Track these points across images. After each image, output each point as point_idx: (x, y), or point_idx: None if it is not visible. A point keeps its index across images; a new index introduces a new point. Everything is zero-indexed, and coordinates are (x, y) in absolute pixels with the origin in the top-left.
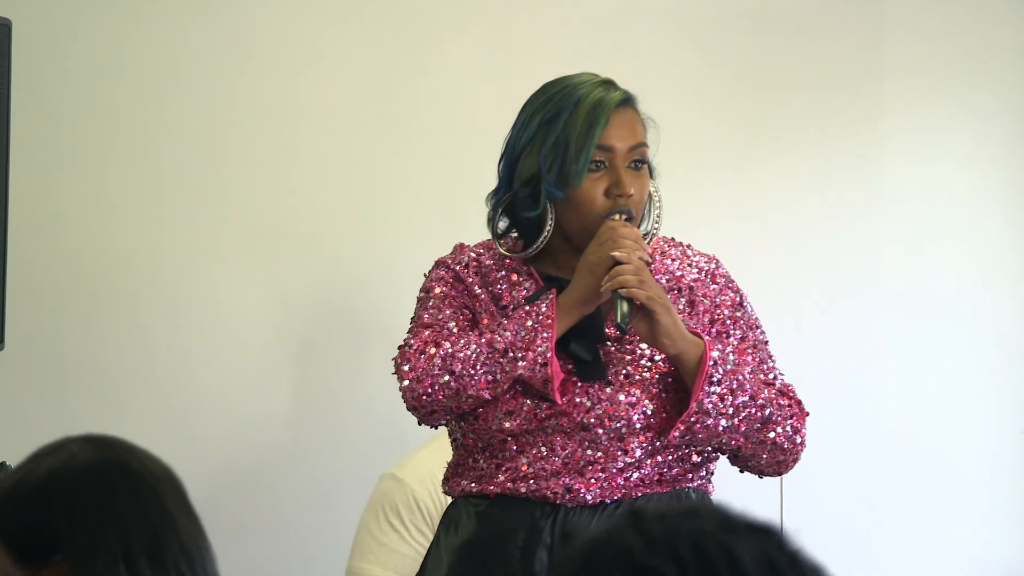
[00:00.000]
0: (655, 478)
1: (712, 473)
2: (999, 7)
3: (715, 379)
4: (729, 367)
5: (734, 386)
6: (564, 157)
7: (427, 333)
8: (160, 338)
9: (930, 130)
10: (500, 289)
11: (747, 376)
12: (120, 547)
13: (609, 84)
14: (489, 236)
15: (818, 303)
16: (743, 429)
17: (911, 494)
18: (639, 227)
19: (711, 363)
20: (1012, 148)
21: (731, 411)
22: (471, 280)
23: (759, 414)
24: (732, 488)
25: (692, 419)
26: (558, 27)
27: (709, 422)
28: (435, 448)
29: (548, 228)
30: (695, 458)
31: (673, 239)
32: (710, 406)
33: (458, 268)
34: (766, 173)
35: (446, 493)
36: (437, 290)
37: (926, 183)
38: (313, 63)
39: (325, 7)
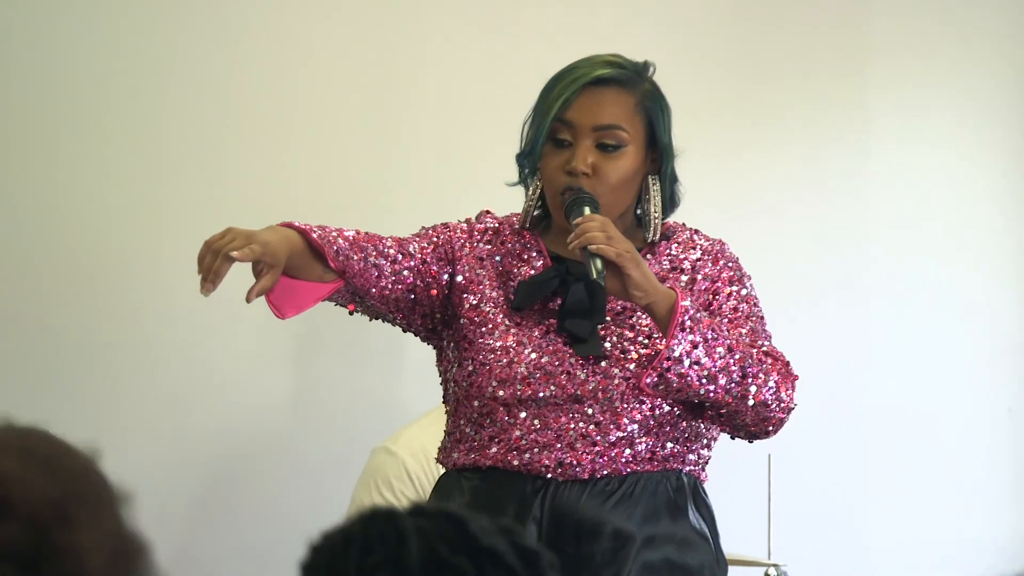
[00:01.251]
0: (647, 456)
1: (706, 461)
2: None
3: (687, 326)
4: (704, 318)
5: (709, 336)
6: (533, 130)
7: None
8: (154, 325)
9: (916, 111)
10: (510, 262)
11: (725, 330)
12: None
13: (608, 64)
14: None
15: (805, 285)
16: (721, 381)
17: (901, 474)
18: (607, 211)
19: (682, 311)
20: (999, 127)
21: (705, 360)
22: (477, 241)
23: (737, 367)
24: (721, 471)
25: (664, 366)
26: (541, 16)
27: (682, 370)
28: (428, 422)
29: (528, 202)
30: (690, 442)
31: (684, 225)
32: (683, 354)
33: (476, 227)
34: (752, 157)
35: (440, 463)
36: (438, 228)
37: (913, 164)
38: (307, 59)
39: (317, 4)
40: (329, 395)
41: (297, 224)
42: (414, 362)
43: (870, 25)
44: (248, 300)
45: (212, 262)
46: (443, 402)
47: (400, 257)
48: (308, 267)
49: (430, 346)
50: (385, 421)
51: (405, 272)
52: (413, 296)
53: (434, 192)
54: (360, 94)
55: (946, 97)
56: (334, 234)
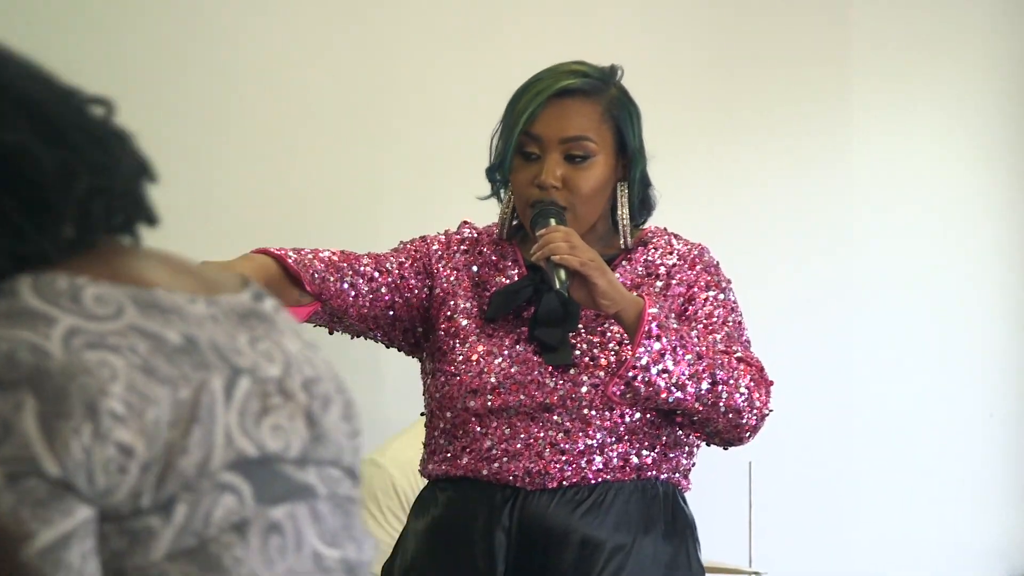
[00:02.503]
0: (619, 464)
1: (687, 470)
2: None
3: (653, 333)
4: (672, 325)
5: (676, 344)
6: (502, 144)
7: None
8: None
9: (899, 108)
10: (486, 272)
11: (695, 336)
12: None
13: (572, 73)
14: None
15: (787, 290)
16: (690, 389)
17: (883, 479)
18: (581, 221)
19: (649, 318)
20: (983, 124)
21: (673, 367)
22: (454, 252)
23: (707, 373)
24: (702, 479)
25: (631, 374)
26: (523, 8)
27: (649, 377)
28: (415, 434)
29: (503, 214)
30: (669, 449)
31: (665, 229)
32: (649, 362)
33: (453, 238)
34: (735, 150)
35: (421, 475)
36: (416, 241)
37: (896, 165)
38: (299, 64)
39: (311, 9)
40: None
41: (273, 250)
42: (396, 374)
43: (853, 22)
44: None
45: None
46: (421, 414)
47: (377, 275)
48: (284, 292)
49: (416, 359)
50: (368, 433)
51: (383, 289)
52: (392, 312)
53: (423, 200)
54: (349, 103)
55: (929, 93)
56: (310, 256)
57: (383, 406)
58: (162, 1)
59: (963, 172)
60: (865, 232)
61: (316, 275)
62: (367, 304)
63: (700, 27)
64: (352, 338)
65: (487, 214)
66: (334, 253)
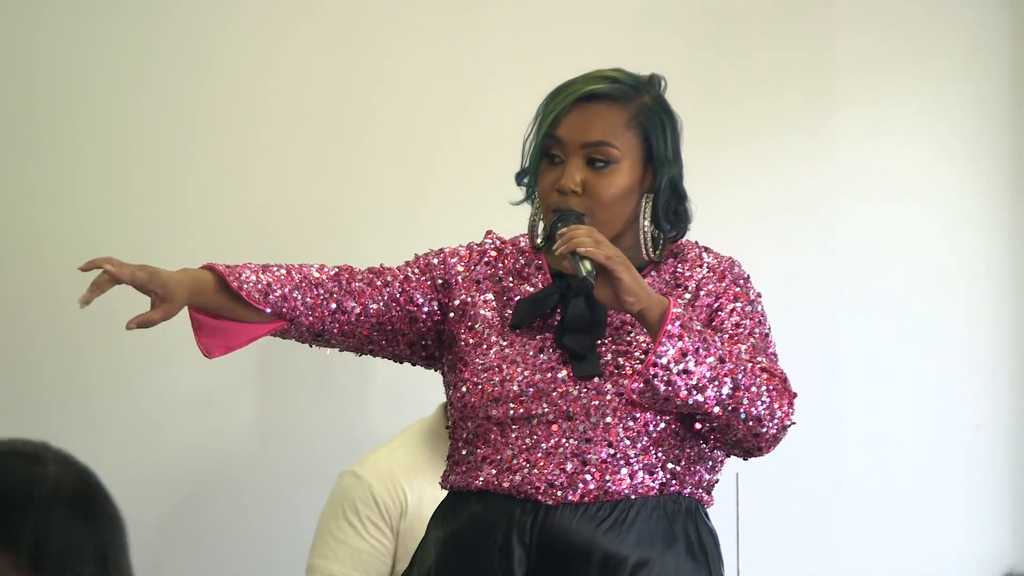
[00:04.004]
0: (643, 479)
1: (711, 485)
2: (947, 5)
3: (676, 332)
4: (696, 327)
5: (699, 345)
6: (530, 147)
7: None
8: (129, 344)
9: (881, 121)
10: (510, 281)
11: (718, 341)
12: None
13: (603, 79)
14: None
15: (772, 291)
16: (710, 392)
17: (871, 489)
18: (602, 228)
19: (672, 317)
20: (964, 143)
21: (694, 368)
22: (476, 263)
23: (728, 378)
24: None
25: (651, 372)
26: (510, 28)
27: (670, 377)
28: (395, 446)
29: (532, 218)
30: (693, 463)
31: (695, 243)
32: (670, 361)
33: (476, 249)
34: (719, 180)
35: (442, 487)
36: (431, 254)
37: (880, 182)
38: (274, 69)
39: (285, 13)
40: (296, 418)
41: (219, 267)
42: (381, 385)
43: (836, 43)
44: (127, 328)
45: (98, 276)
46: (446, 427)
47: (368, 290)
48: (238, 309)
49: (432, 370)
50: (352, 444)
51: (373, 306)
52: (390, 327)
53: (401, 208)
54: (327, 105)
55: (910, 108)
56: (283, 269)
57: (368, 418)
58: (147, 22)
59: (947, 189)
60: (849, 243)
61: (266, 289)
62: (353, 321)
63: (685, 48)
64: (358, 355)
65: (476, 230)
66: (321, 269)
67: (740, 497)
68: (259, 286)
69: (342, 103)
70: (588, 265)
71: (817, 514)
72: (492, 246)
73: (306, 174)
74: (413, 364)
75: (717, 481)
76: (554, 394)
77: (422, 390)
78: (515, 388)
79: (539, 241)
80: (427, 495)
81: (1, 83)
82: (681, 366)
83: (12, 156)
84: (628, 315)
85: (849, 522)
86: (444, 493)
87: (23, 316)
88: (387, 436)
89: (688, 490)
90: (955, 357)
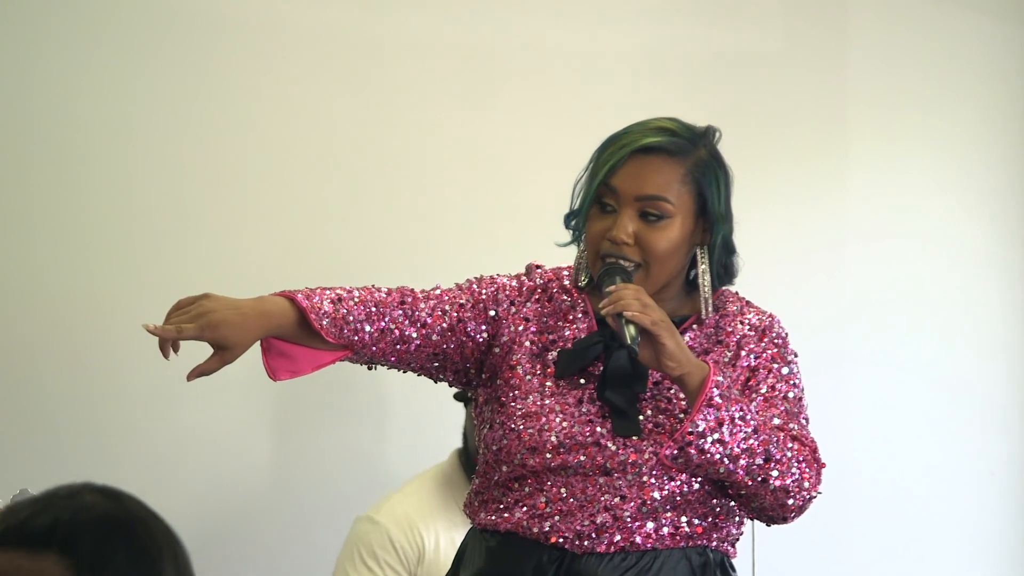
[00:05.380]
0: (670, 532)
1: (736, 539)
2: (959, 38)
3: (715, 402)
4: (734, 395)
5: (736, 415)
6: (582, 192)
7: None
8: (138, 388)
9: (892, 156)
10: (555, 322)
11: (754, 410)
12: None
13: (660, 131)
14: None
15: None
16: (742, 462)
17: (885, 534)
18: (653, 280)
19: (712, 385)
20: (977, 178)
21: (729, 438)
22: (525, 300)
23: (761, 448)
24: None
25: (686, 440)
26: (527, 71)
27: (704, 446)
28: (409, 492)
29: (578, 260)
30: (720, 518)
31: (736, 294)
32: (706, 430)
33: (526, 284)
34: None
35: (466, 515)
36: (485, 281)
37: (892, 219)
38: (317, 124)
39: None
40: (312, 459)
41: (298, 298)
42: (398, 426)
43: (848, 78)
44: (188, 379)
45: (164, 336)
46: (477, 461)
47: (429, 319)
48: (308, 338)
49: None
50: (368, 485)
51: (434, 336)
52: (441, 355)
53: (417, 247)
54: (369, 157)
55: (923, 149)
56: (354, 298)
57: (384, 459)
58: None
59: (961, 225)
60: (860, 287)
61: (344, 325)
62: (412, 351)
63: (696, 88)
64: (402, 372)
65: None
66: (383, 294)
67: (755, 549)
68: (335, 320)
69: (378, 150)
70: (633, 330)
71: (831, 564)
72: (539, 283)
73: (329, 225)
74: (449, 384)
75: (742, 534)
76: (592, 448)
77: (438, 432)
78: (553, 439)
79: (583, 283)
80: (443, 540)
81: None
82: (716, 436)
83: (26, 211)
84: None
85: (862, 567)
86: (460, 538)
87: (32, 358)
88: (403, 478)
89: (715, 543)
90: (968, 401)
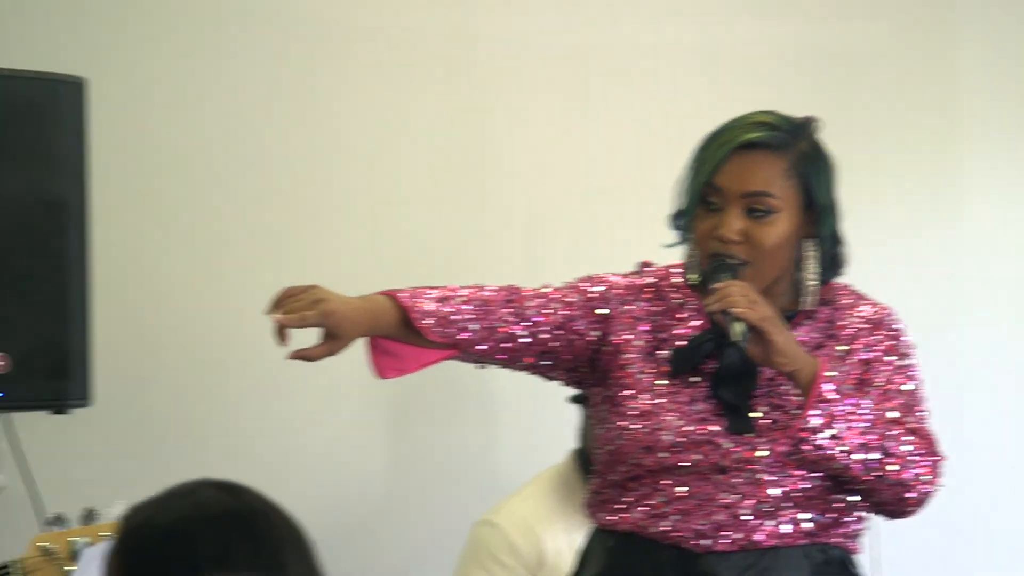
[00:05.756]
0: (791, 530)
1: (857, 534)
2: None
3: (827, 397)
4: (847, 390)
5: (849, 410)
6: (686, 192)
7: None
8: (250, 393)
9: (1009, 186)
10: (666, 321)
11: (870, 404)
12: None
13: (760, 125)
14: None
15: None
16: (857, 456)
17: (1012, 528)
18: (763, 276)
19: (823, 381)
20: None
21: (843, 433)
22: (635, 299)
23: (876, 443)
24: None
25: (799, 436)
26: (628, 73)
27: (818, 441)
28: (526, 495)
29: (688, 260)
30: (841, 514)
31: (848, 288)
32: (820, 424)
33: (636, 283)
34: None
35: (587, 518)
36: (594, 279)
37: (1005, 240)
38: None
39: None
40: (426, 463)
41: (400, 296)
42: (510, 429)
43: (962, 107)
44: (288, 357)
45: (278, 321)
46: (592, 462)
47: (537, 318)
48: (414, 336)
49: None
50: (482, 488)
51: (541, 335)
52: (553, 354)
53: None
54: (450, 159)
55: None
56: (459, 296)
57: (497, 463)
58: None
59: None
60: (977, 318)
61: (445, 322)
62: (520, 349)
63: (806, 95)
64: (480, 367)
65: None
66: (487, 291)
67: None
68: (439, 319)
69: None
70: (739, 328)
71: (951, 553)
72: (650, 282)
73: (446, 235)
74: (561, 383)
75: (865, 530)
76: (707, 446)
77: (550, 432)
78: (667, 438)
79: (693, 281)
80: (563, 543)
81: (108, 136)
82: (831, 431)
83: (137, 208)
84: None
85: (987, 561)
86: (579, 541)
87: (137, 368)
88: (515, 479)
89: (835, 540)
90: None
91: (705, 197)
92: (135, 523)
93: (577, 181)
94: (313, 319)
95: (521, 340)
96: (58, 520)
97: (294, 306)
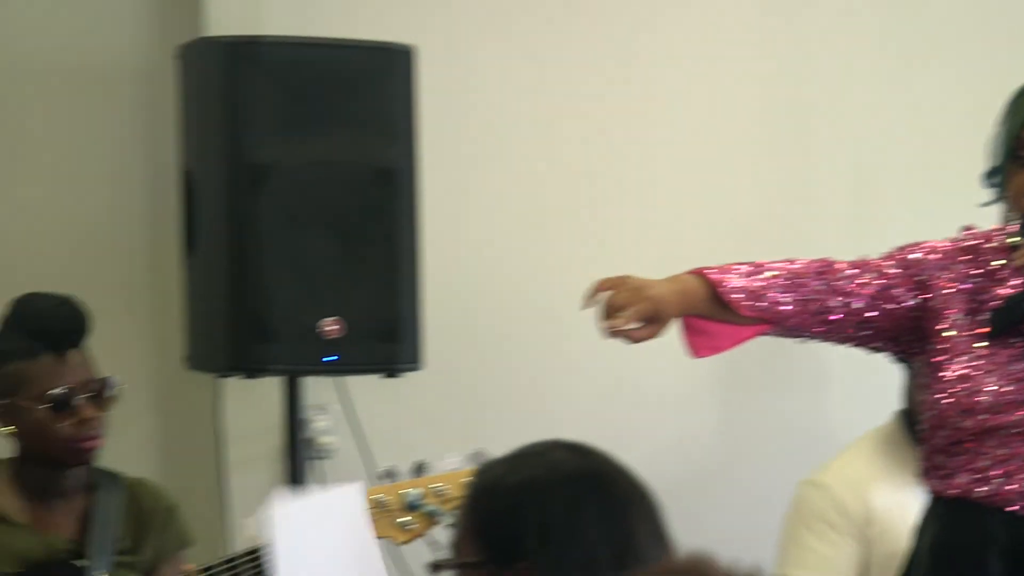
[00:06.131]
0: None
1: None
2: None
3: None
4: None
5: None
6: (998, 148)
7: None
8: (583, 366)
9: None
10: (984, 283)
11: None
12: (584, 565)
13: None
14: None
15: None
16: None
17: None
18: None
19: None
20: None
21: None
22: (954, 262)
23: None
24: None
25: None
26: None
27: None
28: (851, 456)
29: (1004, 219)
30: None
31: None
32: None
33: (956, 246)
34: None
35: (921, 484)
36: (910, 248)
37: None
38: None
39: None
40: (754, 426)
41: (708, 273)
42: (839, 389)
43: None
44: (607, 336)
45: (606, 320)
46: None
47: (851, 288)
48: (726, 313)
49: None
50: (811, 450)
51: (854, 304)
52: (871, 324)
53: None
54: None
55: None
56: (770, 270)
57: (826, 420)
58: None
59: None
60: None
61: (755, 297)
62: (834, 321)
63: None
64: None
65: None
66: (797, 264)
67: None
68: (749, 293)
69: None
70: None
71: None
72: (970, 244)
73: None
74: (884, 353)
75: None
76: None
77: (881, 393)
78: (985, 399)
79: (1010, 241)
80: (891, 501)
81: (435, 103)
82: None
83: (463, 180)
84: None
85: None
86: (906, 500)
87: (469, 328)
88: (844, 439)
89: None
90: None
91: (1017, 152)
92: (486, 482)
93: (909, 140)
94: (644, 310)
95: (836, 312)
96: (389, 474)
97: (615, 300)
